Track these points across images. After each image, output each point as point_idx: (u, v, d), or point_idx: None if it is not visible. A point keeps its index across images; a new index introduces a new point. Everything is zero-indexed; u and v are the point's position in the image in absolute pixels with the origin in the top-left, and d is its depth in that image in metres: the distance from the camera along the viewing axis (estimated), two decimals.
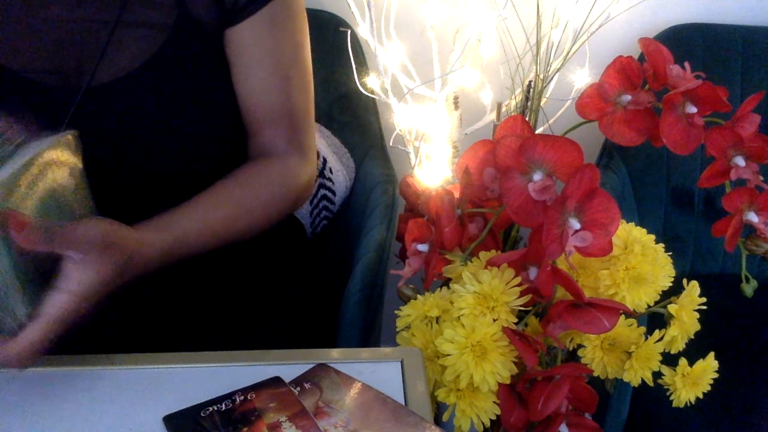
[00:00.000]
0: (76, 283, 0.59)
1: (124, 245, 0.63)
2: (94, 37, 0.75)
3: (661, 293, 0.81)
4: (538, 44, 1.09)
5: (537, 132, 1.09)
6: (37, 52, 0.75)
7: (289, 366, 0.63)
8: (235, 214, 0.79)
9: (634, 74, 0.79)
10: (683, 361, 0.80)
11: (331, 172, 1.12)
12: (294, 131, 0.86)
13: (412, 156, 1.19)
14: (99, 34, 0.75)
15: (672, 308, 0.80)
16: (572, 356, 0.83)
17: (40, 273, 0.59)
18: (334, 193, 1.12)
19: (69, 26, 0.75)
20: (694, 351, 0.82)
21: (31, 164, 0.59)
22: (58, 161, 0.62)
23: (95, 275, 0.60)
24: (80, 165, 0.66)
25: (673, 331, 0.80)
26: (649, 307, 0.81)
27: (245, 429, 0.56)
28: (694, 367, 0.81)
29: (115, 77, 0.76)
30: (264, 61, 0.81)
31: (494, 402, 0.76)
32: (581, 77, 1.17)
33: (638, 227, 0.83)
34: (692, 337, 0.82)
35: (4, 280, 0.56)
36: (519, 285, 0.75)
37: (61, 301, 0.58)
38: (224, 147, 0.85)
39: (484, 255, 0.79)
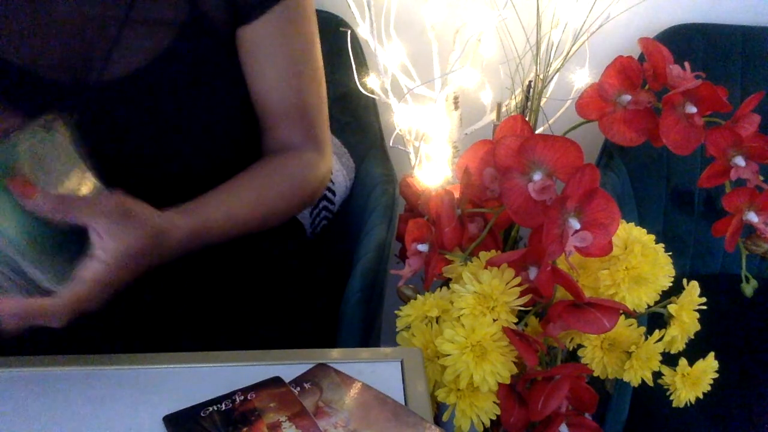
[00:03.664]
0: (103, 251, 0.61)
1: (147, 219, 0.65)
2: (103, 33, 0.75)
3: (661, 293, 0.81)
4: (538, 44, 1.09)
5: (537, 132, 1.09)
6: (44, 48, 0.75)
7: (289, 366, 0.63)
8: (257, 203, 0.80)
9: (634, 74, 0.79)
10: (683, 361, 0.80)
11: (331, 172, 1.12)
12: (309, 126, 0.87)
13: (412, 156, 1.19)
14: (108, 30, 0.75)
15: (672, 308, 0.80)
16: (572, 356, 0.83)
17: (79, 243, 0.61)
18: (334, 193, 1.12)
19: (77, 21, 0.75)
20: (694, 351, 0.82)
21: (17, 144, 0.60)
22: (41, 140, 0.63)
23: (120, 244, 0.61)
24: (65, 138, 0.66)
25: (673, 331, 0.80)
26: (649, 307, 0.81)
27: (245, 429, 0.56)
28: (694, 367, 0.81)
29: (124, 74, 0.76)
30: (277, 59, 0.82)
31: (494, 402, 0.76)
32: (581, 77, 1.17)
33: (638, 227, 0.83)
34: (692, 337, 0.82)
35: (24, 245, 0.58)
36: (519, 285, 0.75)
37: (92, 266, 0.60)
38: (234, 143, 0.86)
39: (484, 255, 0.79)
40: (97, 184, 0.66)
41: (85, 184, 0.65)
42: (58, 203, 0.59)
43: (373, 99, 1.21)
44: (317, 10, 0.90)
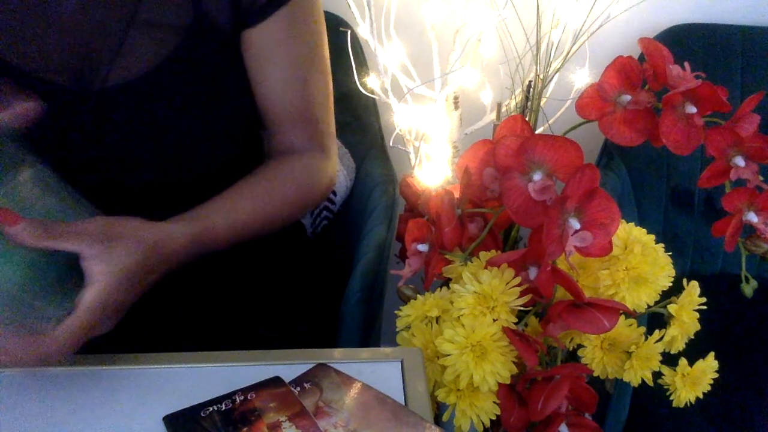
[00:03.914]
0: (96, 277, 0.60)
1: (135, 236, 0.64)
2: (108, 37, 0.75)
3: (661, 293, 0.81)
4: (538, 44, 1.09)
5: (537, 132, 1.09)
6: (48, 52, 0.75)
7: (289, 366, 0.63)
8: (261, 208, 0.80)
9: (634, 74, 0.79)
10: (683, 361, 0.80)
11: (336, 174, 1.12)
12: (314, 129, 0.86)
13: (412, 156, 1.19)
14: (112, 34, 0.75)
15: (672, 308, 0.80)
16: (572, 356, 0.83)
17: (76, 272, 0.61)
18: (335, 193, 1.12)
19: (82, 25, 0.75)
20: (694, 351, 0.82)
21: None
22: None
23: (112, 267, 0.61)
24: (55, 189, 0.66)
25: (673, 331, 0.80)
26: (649, 307, 0.81)
27: (245, 429, 0.56)
28: (694, 367, 0.81)
29: (129, 78, 0.76)
30: (282, 63, 0.81)
31: (494, 402, 0.76)
32: (581, 77, 1.17)
33: (638, 227, 0.83)
34: (692, 337, 0.82)
35: (23, 282, 0.58)
36: (519, 285, 0.75)
37: (86, 296, 0.60)
38: (239, 146, 0.86)
39: (484, 255, 0.79)
40: (83, 210, 0.66)
41: (67, 212, 0.65)
42: (42, 230, 0.59)
43: (373, 99, 1.21)
44: None
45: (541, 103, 1.13)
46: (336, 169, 0.91)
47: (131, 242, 0.63)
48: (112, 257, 0.61)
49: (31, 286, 0.59)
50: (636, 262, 0.79)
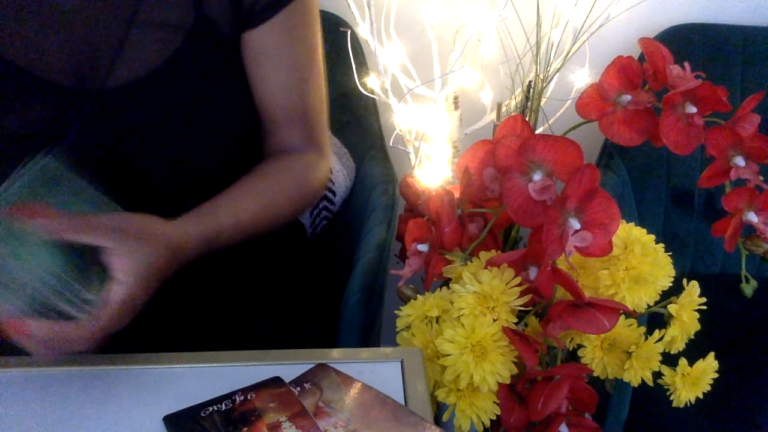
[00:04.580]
0: (122, 272, 0.61)
1: (161, 235, 0.65)
2: (109, 36, 0.75)
3: (661, 293, 0.81)
4: (538, 44, 1.09)
5: (537, 132, 1.09)
6: (50, 52, 0.75)
7: (289, 366, 0.63)
8: (264, 206, 0.80)
9: (634, 74, 0.79)
10: (683, 361, 0.80)
11: (331, 172, 1.12)
12: (310, 130, 0.87)
13: (412, 156, 1.19)
14: (113, 34, 0.75)
15: (672, 308, 0.80)
16: (572, 356, 0.83)
17: (96, 266, 0.62)
18: (334, 193, 1.12)
19: (83, 25, 0.75)
20: (694, 351, 0.82)
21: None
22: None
23: (139, 264, 0.62)
24: (73, 180, 0.67)
25: (673, 331, 0.80)
26: (649, 307, 0.81)
27: (245, 429, 0.56)
28: (694, 367, 0.80)
29: (130, 80, 0.76)
30: (281, 64, 0.82)
31: (494, 402, 0.76)
32: (581, 77, 1.17)
33: (638, 227, 0.83)
34: (692, 337, 0.82)
35: (53, 270, 0.59)
36: (519, 285, 0.75)
37: (116, 291, 0.61)
38: (238, 146, 0.86)
39: (484, 255, 0.79)
40: (112, 206, 0.67)
41: (99, 208, 0.66)
42: (65, 223, 0.60)
43: (373, 99, 1.21)
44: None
45: (541, 103, 1.13)
46: (329, 166, 0.92)
47: (156, 241, 0.64)
48: (139, 255, 0.62)
49: (55, 277, 0.59)
50: (636, 262, 0.79)
